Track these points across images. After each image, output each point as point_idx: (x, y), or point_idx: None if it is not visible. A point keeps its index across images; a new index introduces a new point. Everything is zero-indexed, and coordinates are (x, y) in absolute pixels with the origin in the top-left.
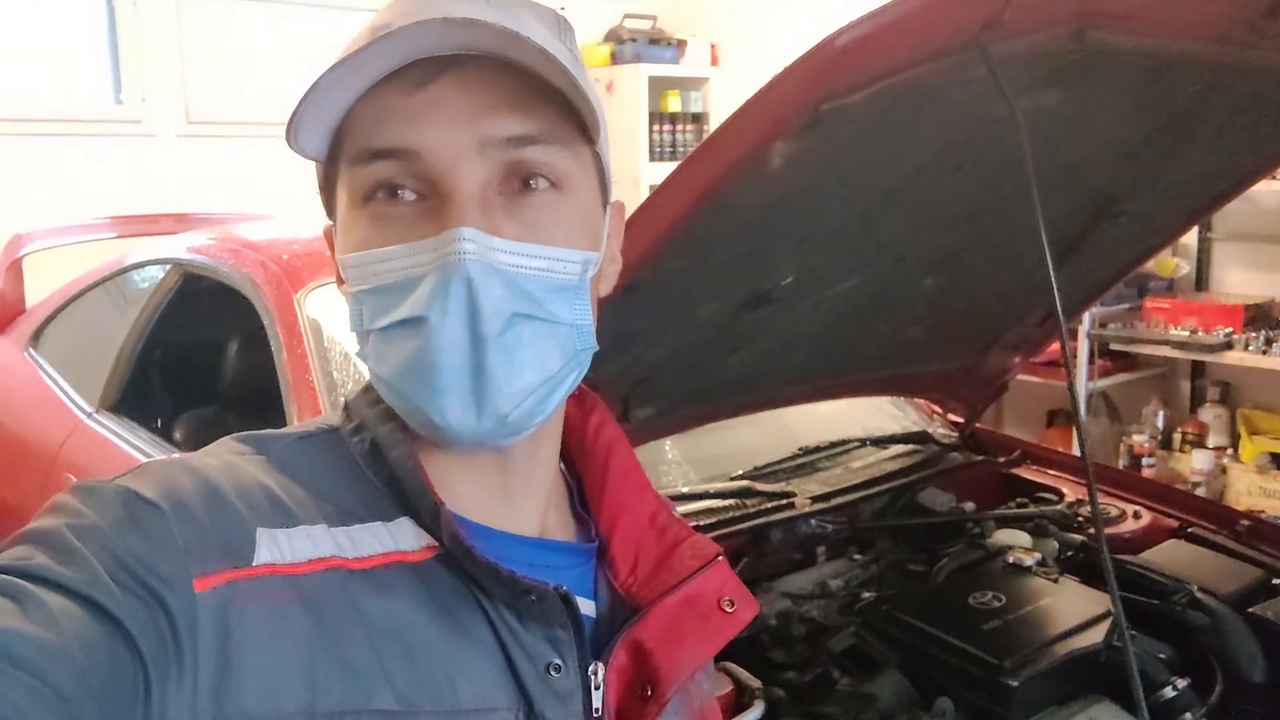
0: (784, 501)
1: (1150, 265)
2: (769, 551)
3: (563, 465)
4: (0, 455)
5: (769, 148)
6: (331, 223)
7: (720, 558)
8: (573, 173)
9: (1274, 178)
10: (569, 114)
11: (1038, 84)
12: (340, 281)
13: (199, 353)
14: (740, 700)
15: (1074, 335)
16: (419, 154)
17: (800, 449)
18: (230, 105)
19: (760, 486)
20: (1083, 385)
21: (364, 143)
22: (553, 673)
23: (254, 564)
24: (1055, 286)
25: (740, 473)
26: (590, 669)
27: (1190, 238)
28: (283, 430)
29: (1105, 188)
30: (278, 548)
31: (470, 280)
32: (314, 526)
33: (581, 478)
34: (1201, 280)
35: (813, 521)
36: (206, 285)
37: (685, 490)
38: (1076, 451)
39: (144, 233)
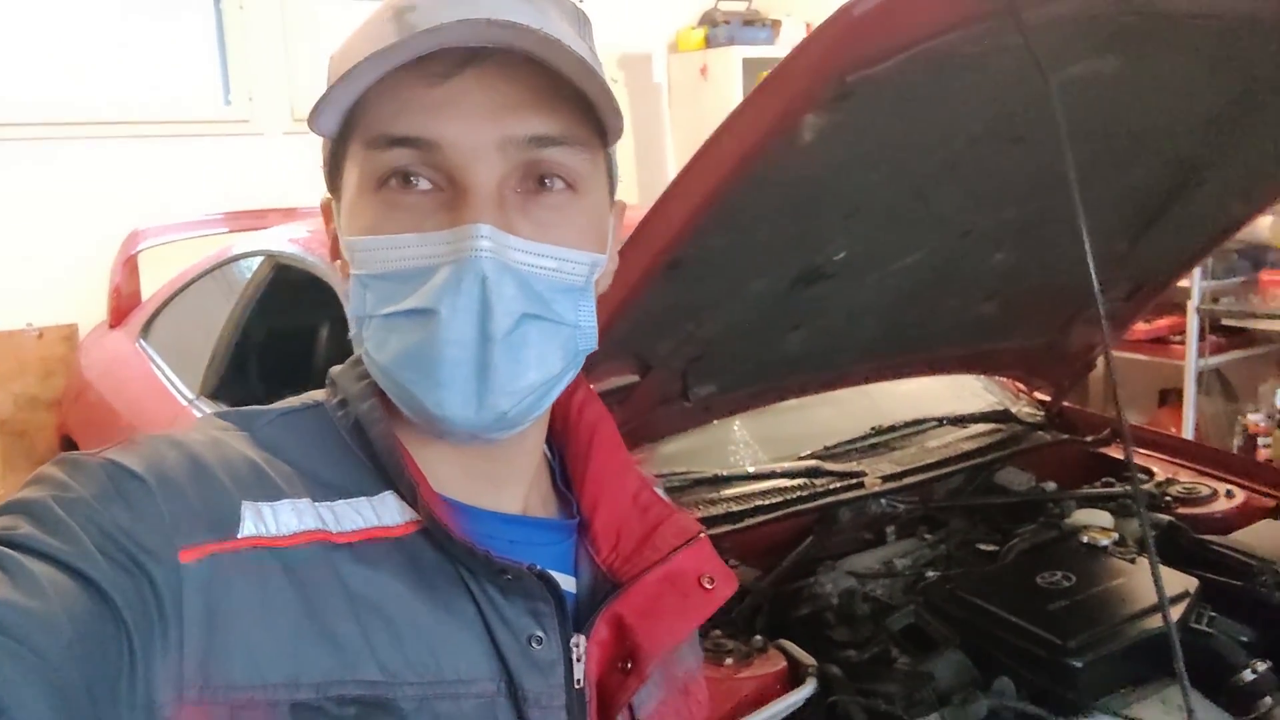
0: (853, 481)
1: (1266, 236)
2: (837, 531)
3: (545, 443)
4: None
5: (798, 120)
6: (331, 197)
7: (702, 535)
8: (588, 175)
9: None
10: (588, 115)
11: (1091, 50)
12: (334, 256)
13: (292, 341)
14: (794, 677)
15: (1182, 310)
16: (439, 146)
17: (873, 428)
18: None
19: (829, 466)
20: (1193, 362)
21: (382, 128)
22: (534, 645)
23: (239, 536)
24: (1093, 267)
25: (810, 452)
26: (572, 641)
27: None
28: (266, 406)
29: (1185, 156)
30: (262, 521)
31: (485, 278)
32: (298, 500)
33: (564, 455)
34: None
35: (883, 501)
36: (296, 275)
37: (752, 470)
38: (1188, 432)
39: (253, 228)
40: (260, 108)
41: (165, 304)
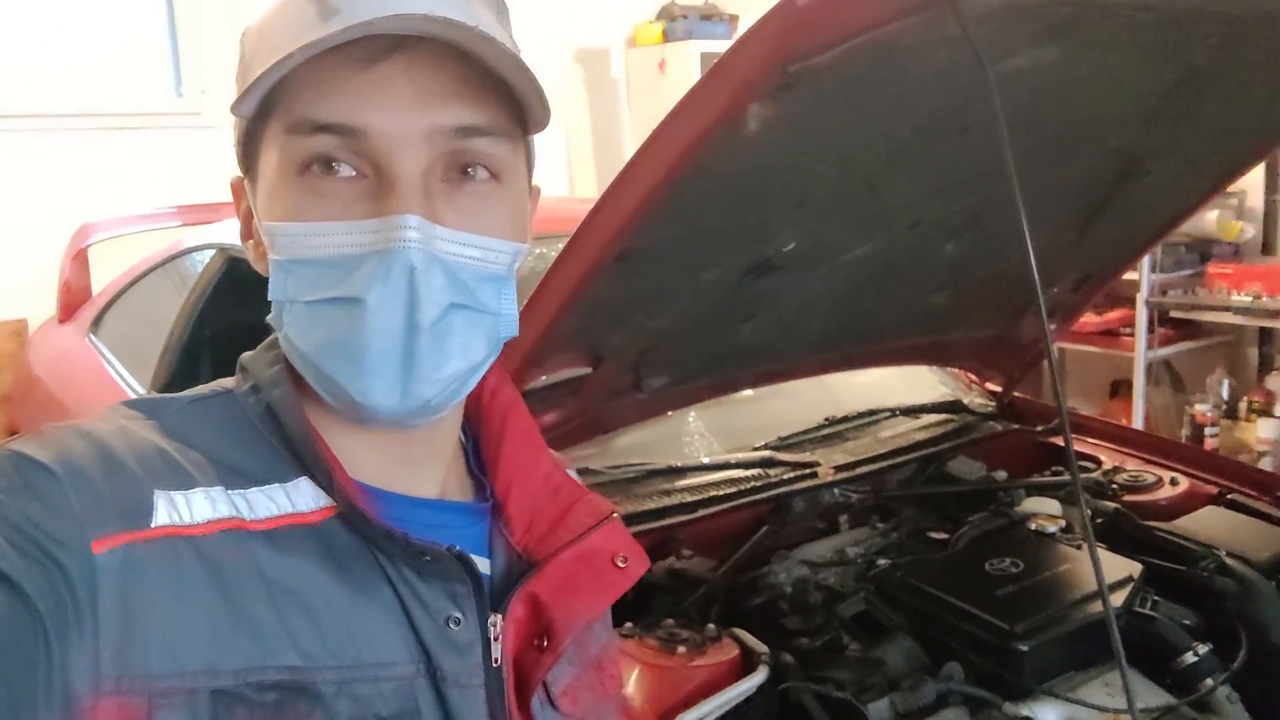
0: (807, 471)
1: (1213, 229)
2: (791, 520)
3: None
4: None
5: (743, 110)
6: (244, 177)
7: (614, 516)
8: (511, 164)
9: None
10: (510, 104)
11: (1031, 41)
12: (246, 237)
13: (246, 335)
14: (746, 665)
15: (1132, 303)
16: (365, 133)
17: (826, 419)
18: None
19: (783, 456)
20: (1142, 353)
21: (306, 113)
22: (452, 626)
23: (153, 526)
24: (1032, 257)
25: (764, 443)
26: (490, 621)
27: (1256, 200)
28: (175, 394)
29: (1127, 147)
30: (176, 510)
31: (413, 269)
32: (211, 488)
33: (477, 439)
34: (1269, 244)
35: (835, 491)
36: (249, 268)
37: (707, 461)
38: (1138, 423)
39: (206, 221)
40: (213, 100)
41: (116, 298)
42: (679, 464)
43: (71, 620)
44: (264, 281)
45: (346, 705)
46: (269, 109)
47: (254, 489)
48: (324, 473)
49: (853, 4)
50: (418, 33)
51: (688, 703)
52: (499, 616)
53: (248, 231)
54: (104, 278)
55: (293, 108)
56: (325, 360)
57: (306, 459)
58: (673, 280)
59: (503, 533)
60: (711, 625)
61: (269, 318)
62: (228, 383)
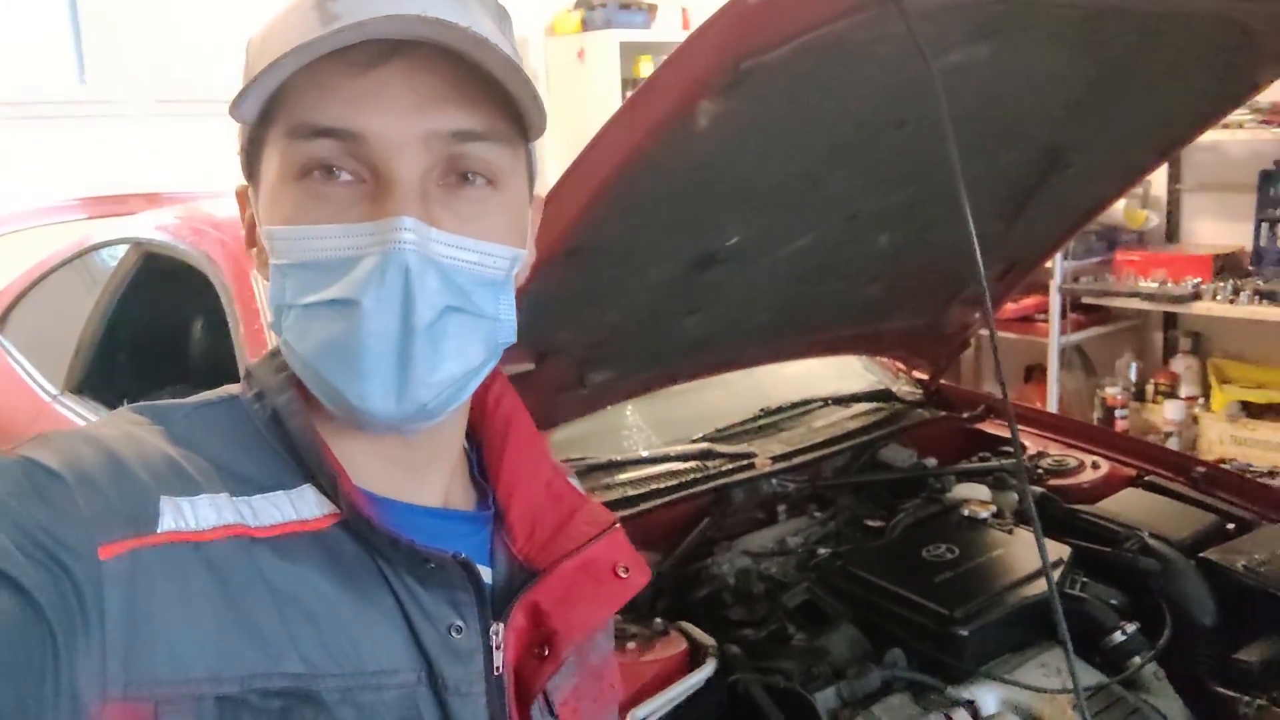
0: (744, 462)
1: (1120, 218)
2: (731, 511)
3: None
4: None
5: (694, 107)
6: (247, 184)
7: (616, 525)
8: (509, 170)
9: (1240, 126)
10: (509, 110)
11: (967, 38)
12: (250, 244)
13: (163, 331)
14: (694, 658)
15: (1045, 290)
16: (363, 138)
17: (761, 410)
18: (201, 83)
19: (720, 448)
20: (1055, 339)
21: (305, 117)
22: (454, 634)
23: (158, 531)
24: (976, 241)
25: (702, 435)
26: (491, 630)
27: (1160, 189)
28: (181, 400)
29: (1052, 140)
30: (182, 516)
31: (408, 270)
32: (217, 495)
33: (480, 446)
34: (1172, 232)
35: (773, 481)
36: (166, 264)
37: (645, 454)
38: (1052, 406)
39: (114, 213)
40: (119, 87)
41: (22, 295)
42: (619, 458)
43: (79, 627)
44: (183, 276)
45: (350, 713)
46: (271, 115)
47: (259, 496)
48: (328, 480)
49: (803, 1)
50: (411, 34)
51: (639, 698)
52: (500, 625)
53: (251, 239)
54: (5, 274)
55: (292, 112)
56: (322, 363)
57: (311, 466)
58: (622, 275)
59: (504, 541)
60: (659, 619)
61: (270, 324)
62: (234, 389)
